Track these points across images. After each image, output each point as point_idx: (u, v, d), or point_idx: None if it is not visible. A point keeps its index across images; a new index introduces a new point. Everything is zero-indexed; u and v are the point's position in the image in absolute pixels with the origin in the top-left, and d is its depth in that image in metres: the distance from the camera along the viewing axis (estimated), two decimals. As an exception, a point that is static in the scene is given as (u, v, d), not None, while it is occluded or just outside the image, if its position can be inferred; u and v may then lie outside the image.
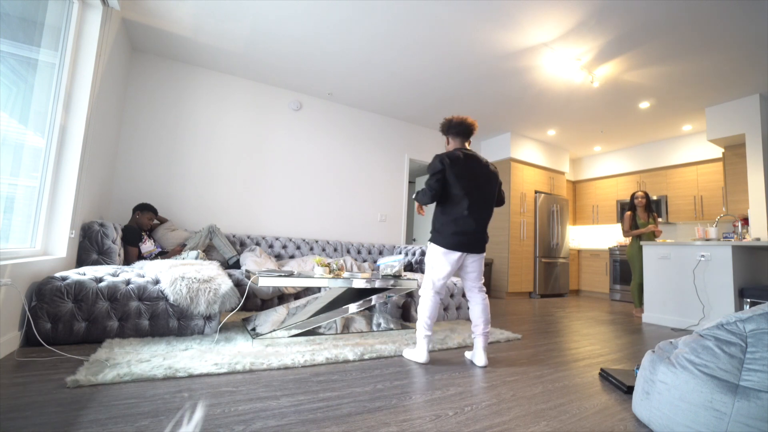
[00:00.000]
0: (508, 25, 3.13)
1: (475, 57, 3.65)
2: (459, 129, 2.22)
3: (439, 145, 5.84)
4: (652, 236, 4.29)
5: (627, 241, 5.73)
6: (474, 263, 2.17)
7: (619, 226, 6.54)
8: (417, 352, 2.08)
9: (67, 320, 1.98)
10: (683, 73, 3.80)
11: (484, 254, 2.21)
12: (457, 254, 2.09)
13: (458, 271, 2.20)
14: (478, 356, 2.08)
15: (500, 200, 2.33)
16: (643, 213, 4.43)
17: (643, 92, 4.27)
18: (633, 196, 4.48)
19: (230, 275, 2.92)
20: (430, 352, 2.21)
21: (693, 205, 5.48)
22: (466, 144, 2.25)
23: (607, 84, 4.09)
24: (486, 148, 6.25)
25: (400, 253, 4.75)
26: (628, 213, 4.43)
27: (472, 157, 2.16)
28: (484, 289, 2.21)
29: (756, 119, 4.16)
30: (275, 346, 2.13)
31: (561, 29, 3.17)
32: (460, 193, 2.08)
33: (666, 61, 3.58)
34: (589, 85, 4.04)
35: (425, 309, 2.10)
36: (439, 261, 2.11)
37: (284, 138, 4.52)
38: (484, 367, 2.05)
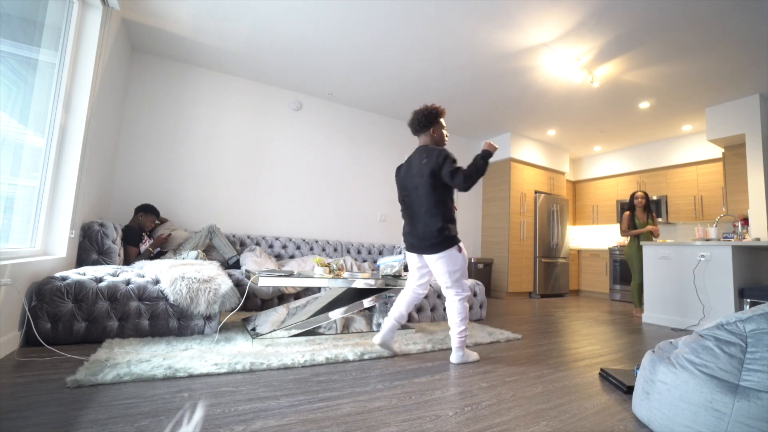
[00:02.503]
0: (508, 25, 3.13)
1: (475, 57, 3.65)
2: (413, 126, 2.17)
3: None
4: (650, 236, 4.29)
5: (626, 241, 5.73)
6: (433, 265, 2.07)
7: (618, 226, 6.55)
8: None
9: (67, 320, 1.98)
10: (683, 73, 3.80)
11: (444, 255, 2.02)
12: (411, 255, 2.18)
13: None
14: (452, 354, 2.14)
15: (454, 183, 1.96)
16: (641, 213, 4.43)
17: (643, 92, 4.27)
18: (633, 196, 4.48)
19: (230, 275, 2.92)
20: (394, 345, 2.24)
21: (693, 205, 5.48)
22: (428, 139, 2.14)
23: (607, 84, 4.09)
24: (486, 148, 6.25)
25: (400, 253, 4.75)
26: (627, 213, 4.44)
27: (414, 156, 2.13)
28: (455, 292, 2.07)
29: (756, 119, 4.16)
30: (275, 346, 2.13)
31: (561, 29, 3.17)
32: (400, 198, 2.22)
33: (666, 61, 3.58)
34: (589, 85, 4.04)
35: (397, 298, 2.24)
36: (407, 259, 2.27)
37: (284, 138, 4.52)
38: (456, 364, 2.07)
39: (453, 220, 2.09)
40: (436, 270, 2.08)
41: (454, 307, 2.08)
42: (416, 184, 2.06)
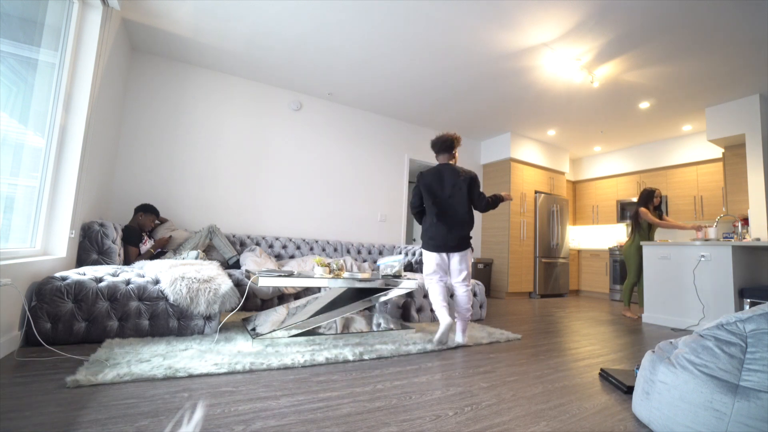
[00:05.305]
0: (508, 25, 3.13)
1: (475, 57, 3.65)
2: (437, 147, 2.64)
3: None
4: (651, 236, 4.22)
5: (624, 240, 5.69)
6: (456, 261, 2.52)
7: (620, 226, 6.54)
8: (441, 318, 2.38)
9: (67, 320, 1.98)
10: (683, 73, 3.80)
11: (468, 251, 2.53)
12: (435, 254, 2.54)
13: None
14: (457, 335, 2.50)
15: (477, 204, 2.55)
16: (653, 211, 4.32)
17: (643, 92, 4.27)
18: (651, 194, 4.23)
19: (230, 275, 2.92)
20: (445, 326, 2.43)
21: (693, 205, 5.48)
22: (450, 159, 2.60)
23: (607, 84, 4.09)
24: (486, 148, 6.26)
25: (400, 253, 4.75)
26: (644, 209, 4.20)
27: (444, 170, 2.54)
28: (467, 283, 2.52)
29: (756, 119, 4.16)
30: (275, 346, 2.13)
31: (561, 29, 3.17)
32: (429, 203, 2.52)
33: (666, 61, 3.58)
34: (589, 85, 4.04)
35: (431, 292, 2.53)
36: (425, 260, 2.61)
37: (284, 138, 4.52)
38: (463, 346, 2.44)
39: None
40: (456, 265, 2.51)
41: (465, 295, 2.50)
42: (452, 194, 2.50)
